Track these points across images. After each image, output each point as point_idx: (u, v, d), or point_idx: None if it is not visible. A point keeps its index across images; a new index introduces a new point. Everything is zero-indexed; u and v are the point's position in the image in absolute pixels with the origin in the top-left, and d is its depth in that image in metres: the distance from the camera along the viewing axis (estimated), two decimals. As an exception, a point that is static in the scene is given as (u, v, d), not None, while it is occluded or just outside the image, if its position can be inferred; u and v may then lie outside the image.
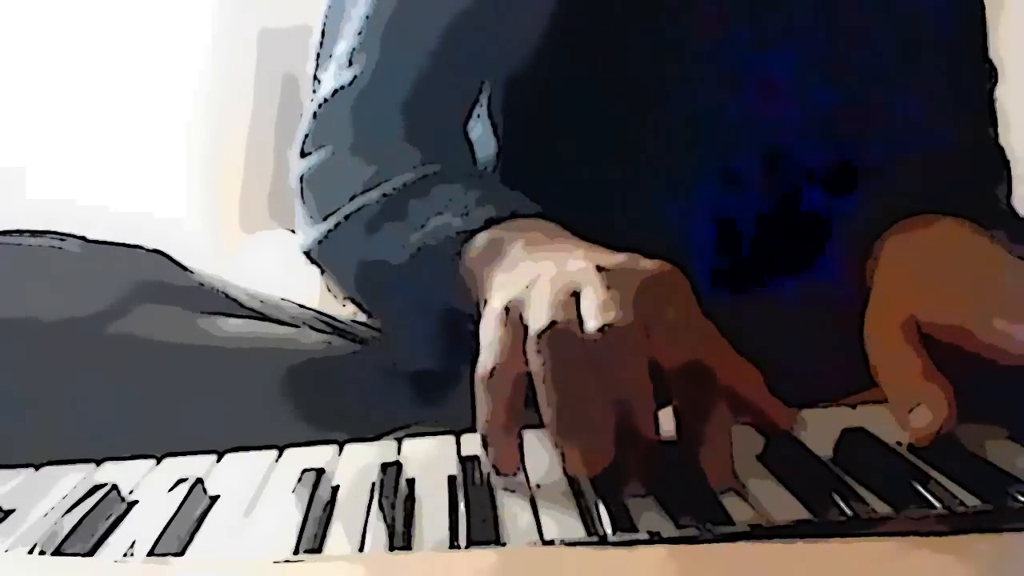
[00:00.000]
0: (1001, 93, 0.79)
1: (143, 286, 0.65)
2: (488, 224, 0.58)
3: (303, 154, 0.71)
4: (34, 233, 0.67)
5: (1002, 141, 0.77)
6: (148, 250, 0.69)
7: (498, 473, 0.46)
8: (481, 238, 0.58)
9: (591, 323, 0.44)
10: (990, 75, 0.79)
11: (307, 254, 0.70)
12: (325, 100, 0.71)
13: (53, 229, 0.67)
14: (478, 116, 0.74)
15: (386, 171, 0.66)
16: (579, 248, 0.53)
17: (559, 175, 0.68)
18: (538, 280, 0.48)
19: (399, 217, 0.63)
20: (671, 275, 0.48)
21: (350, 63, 0.71)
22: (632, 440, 0.44)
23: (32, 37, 1.47)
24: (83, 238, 0.67)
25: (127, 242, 0.69)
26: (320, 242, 0.68)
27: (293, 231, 0.72)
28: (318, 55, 0.80)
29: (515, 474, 0.46)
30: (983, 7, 0.75)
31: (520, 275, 0.51)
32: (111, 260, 0.67)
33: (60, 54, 1.48)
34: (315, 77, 0.81)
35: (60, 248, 0.66)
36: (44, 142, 1.48)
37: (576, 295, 0.47)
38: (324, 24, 0.80)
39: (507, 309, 0.48)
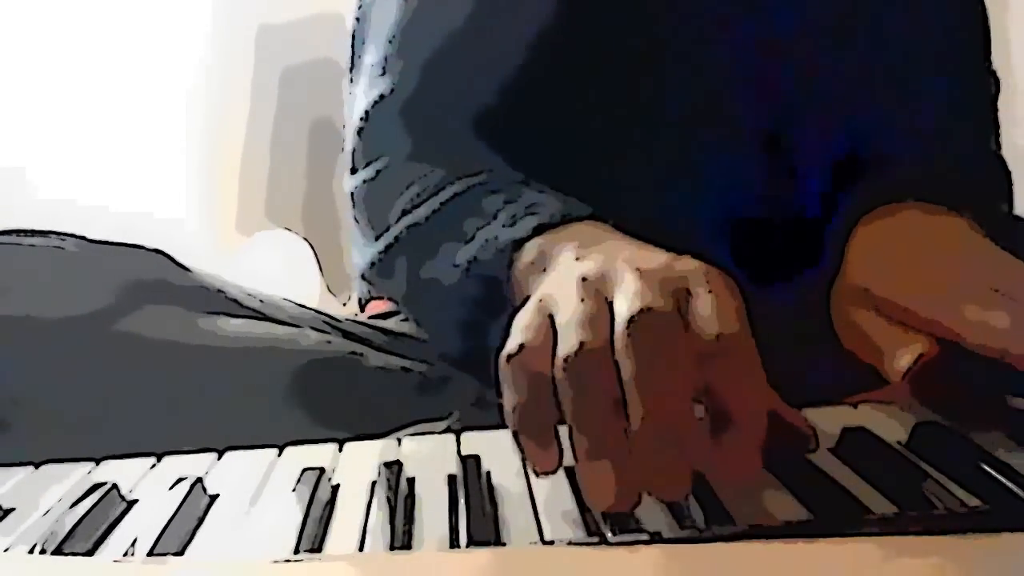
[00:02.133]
0: (1004, 95, 0.79)
1: (143, 286, 0.65)
2: (538, 231, 0.56)
3: (353, 171, 0.70)
4: (34, 233, 0.67)
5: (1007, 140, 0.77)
6: (148, 250, 0.69)
7: (537, 473, 0.42)
8: (530, 249, 0.56)
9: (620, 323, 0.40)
10: (992, 84, 0.79)
11: (363, 277, 0.70)
12: (367, 113, 0.70)
13: (53, 229, 0.67)
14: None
15: (453, 172, 0.65)
16: (625, 249, 0.49)
17: (562, 171, 0.67)
18: (572, 279, 0.44)
19: (449, 233, 0.62)
20: (710, 273, 0.44)
21: (384, 72, 0.70)
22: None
23: (32, 37, 1.48)
24: (83, 238, 0.67)
25: (127, 242, 0.68)
26: (373, 265, 0.68)
27: (292, 231, 0.71)
28: (351, 69, 0.79)
29: (556, 471, 0.42)
30: (985, 15, 0.75)
31: (561, 276, 0.48)
32: (111, 260, 0.67)
33: (59, 54, 1.48)
34: (350, 91, 0.80)
35: (60, 248, 0.66)
36: (44, 142, 1.48)
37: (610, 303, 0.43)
38: (353, 38, 0.79)
39: (541, 301, 0.44)
